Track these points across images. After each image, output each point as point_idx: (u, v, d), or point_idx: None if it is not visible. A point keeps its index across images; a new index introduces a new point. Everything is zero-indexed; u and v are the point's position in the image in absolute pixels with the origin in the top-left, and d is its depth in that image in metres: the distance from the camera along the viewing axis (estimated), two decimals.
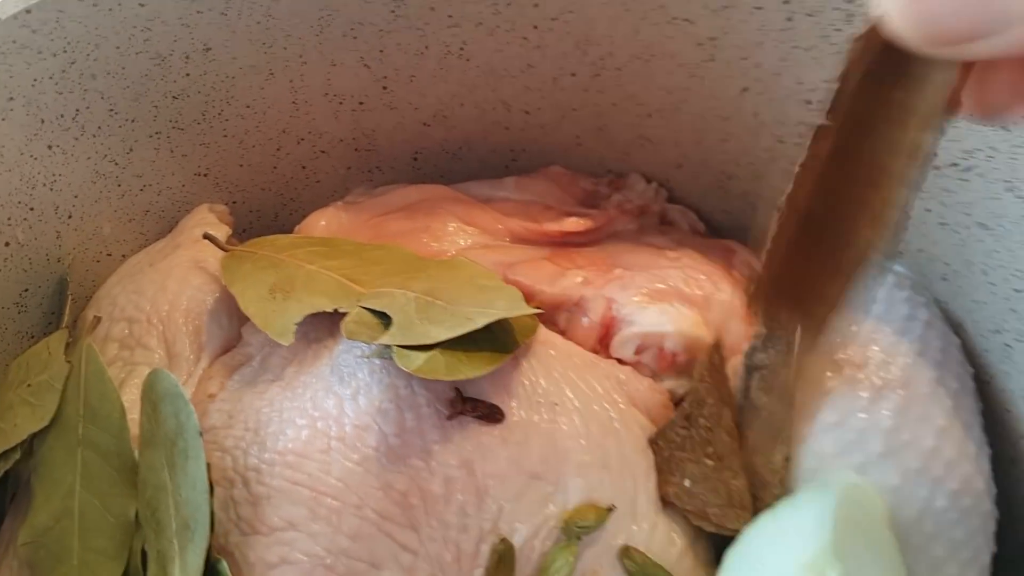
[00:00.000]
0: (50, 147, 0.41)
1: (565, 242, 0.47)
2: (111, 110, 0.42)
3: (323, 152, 0.49)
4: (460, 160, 0.52)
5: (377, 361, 0.37)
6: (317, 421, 0.36)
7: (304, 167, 0.50)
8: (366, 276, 0.40)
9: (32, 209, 0.41)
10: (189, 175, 0.47)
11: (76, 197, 0.43)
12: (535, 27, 0.44)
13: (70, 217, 0.43)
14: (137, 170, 0.45)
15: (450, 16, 0.43)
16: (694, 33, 0.41)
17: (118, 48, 0.40)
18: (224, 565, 0.33)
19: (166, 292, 0.42)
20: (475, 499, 0.36)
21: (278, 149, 0.48)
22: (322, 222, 0.47)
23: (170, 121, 0.44)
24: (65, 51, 0.39)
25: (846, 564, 0.30)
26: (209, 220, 0.46)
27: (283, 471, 0.35)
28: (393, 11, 0.43)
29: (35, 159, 0.40)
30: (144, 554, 0.36)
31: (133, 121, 0.43)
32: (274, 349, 0.40)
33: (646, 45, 0.43)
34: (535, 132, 0.50)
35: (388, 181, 0.52)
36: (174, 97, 0.43)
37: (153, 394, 0.36)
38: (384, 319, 0.37)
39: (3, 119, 0.38)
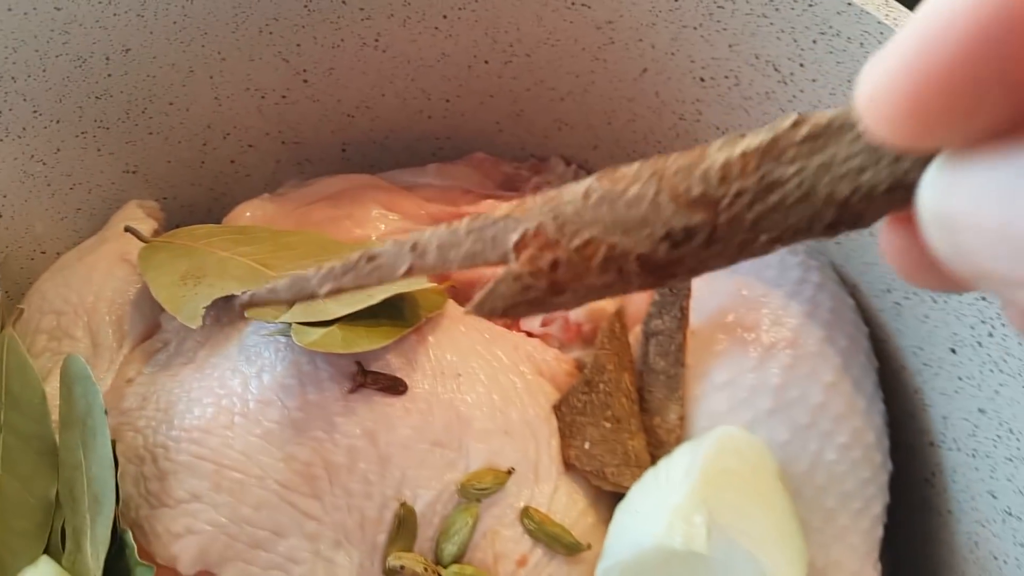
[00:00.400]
0: None
1: None
2: (35, 111, 0.44)
3: (250, 146, 0.51)
4: (387, 150, 0.53)
5: (283, 340, 0.38)
6: (222, 399, 0.37)
7: (232, 161, 0.51)
8: (278, 261, 0.41)
9: None
10: (118, 173, 0.48)
11: (5, 197, 0.45)
12: (444, 16, 0.45)
13: (6, 218, 0.45)
14: (66, 169, 0.46)
15: (361, 9, 0.45)
16: (593, 17, 0.43)
17: (37, 51, 0.42)
18: (129, 535, 0.35)
19: (91, 284, 0.44)
20: (378, 467, 0.37)
21: (204, 144, 0.50)
22: (247, 213, 0.49)
23: (95, 121, 0.46)
24: None
25: (715, 510, 0.32)
26: (137, 215, 0.48)
27: (188, 447, 0.36)
28: (306, 6, 0.45)
29: None
30: (64, 532, 0.37)
31: (58, 122, 0.45)
32: (188, 334, 0.41)
33: (550, 31, 0.44)
34: (456, 119, 0.51)
35: (318, 173, 0.53)
36: (97, 97, 0.45)
37: (68, 378, 0.38)
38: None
39: None
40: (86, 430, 0.37)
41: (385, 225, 0.48)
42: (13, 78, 0.42)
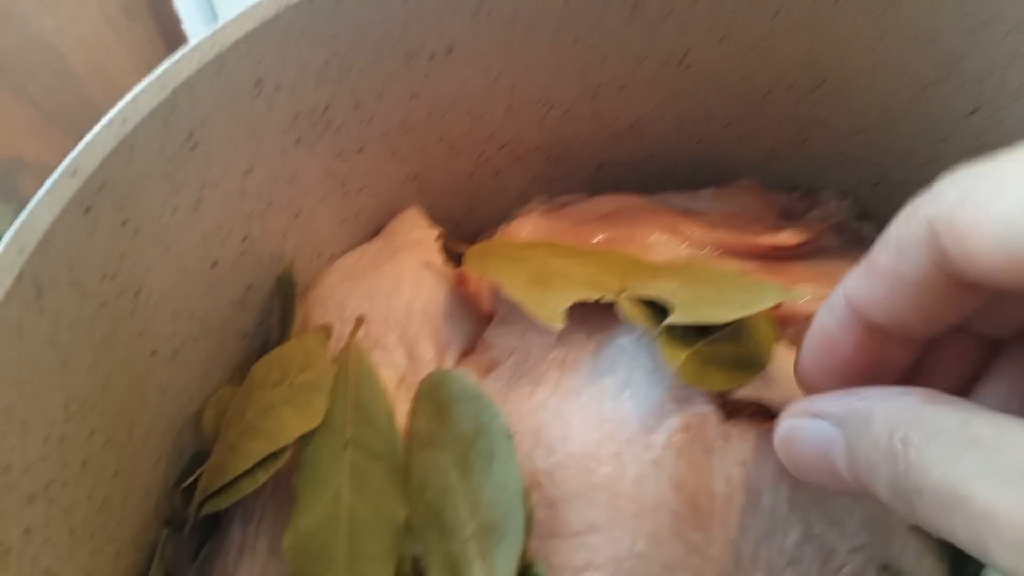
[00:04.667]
0: (298, 141, 0.40)
1: (774, 256, 0.47)
2: (355, 106, 0.41)
3: (519, 159, 0.49)
4: (640, 172, 0.52)
5: (649, 362, 0.36)
6: (602, 424, 0.35)
7: (498, 174, 0.49)
8: (610, 276, 0.40)
9: (270, 204, 0.41)
10: (401, 179, 0.46)
11: (307, 195, 0.42)
12: (765, 36, 0.44)
13: (298, 215, 0.42)
14: (362, 170, 0.44)
15: (683, 23, 0.44)
16: (934, 52, 0.42)
17: (376, 42, 0.40)
18: (542, 568, 0.33)
19: (401, 294, 0.41)
20: (751, 499, 0.36)
21: (480, 155, 0.48)
22: (527, 228, 0.47)
23: (401, 122, 0.43)
24: (332, 43, 0.38)
25: None
26: (420, 223, 0.46)
27: (577, 474, 0.34)
28: (628, 17, 0.43)
29: (284, 152, 0.40)
30: (415, 560, 0.35)
31: (371, 120, 0.42)
32: (527, 354, 0.39)
33: (877, 62, 0.44)
34: (728, 145, 0.50)
35: (568, 191, 0.52)
36: (411, 97, 0.43)
37: (440, 395, 0.36)
38: (653, 310, 0.36)
39: (268, 107, 0.37)
40: (473, 452, 0.34)
41: (671, 250, 0.46)
42: (349, 68, 0.40)
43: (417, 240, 0.44)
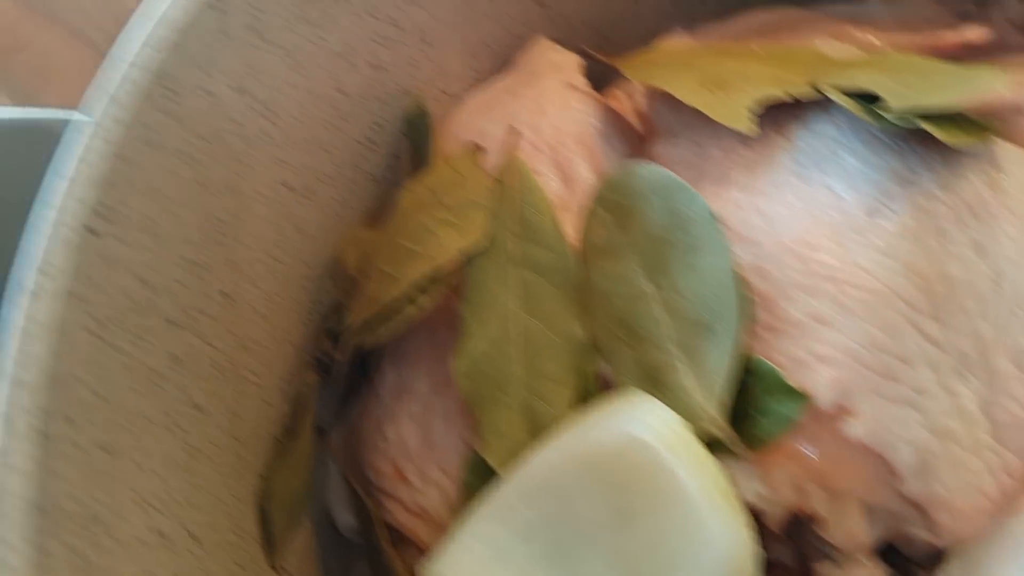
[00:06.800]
0: None
1: (957, 56, 0.41)
2: None
3: None
4: None
5: (863, 148, 0.31)
6: (815, 212, 0.31)
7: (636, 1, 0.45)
8: (795, 72, 0.35)
9: (400, 28, 0.37)
10: (530, 3, 0.42)
11: (436, 21, 0.38)
12: None
13: (430, 45, 0.38)
14: None
15: None
16: None
17: None
18: (766, 362, 0.28)
19: (547, 116, 0.37)
20: (991, 283, 0.31)
21: None
22: (676, 45, 0.42)
23: None
24: None
25: None
26: (557, 48, 0.41)
27: (793, 263, 0.30)
28: None
29: None
30: (601, 378, 0.31)
31: None
32: (701, 163, 0.34)
33: None
34: None
35: (707, 17, 0.46)
36: None
37: (622, 195, 0.31)
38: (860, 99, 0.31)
39: None
40: (667, 249, 0.30)
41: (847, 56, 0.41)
42: None
43: (556, 63, 0.39)
